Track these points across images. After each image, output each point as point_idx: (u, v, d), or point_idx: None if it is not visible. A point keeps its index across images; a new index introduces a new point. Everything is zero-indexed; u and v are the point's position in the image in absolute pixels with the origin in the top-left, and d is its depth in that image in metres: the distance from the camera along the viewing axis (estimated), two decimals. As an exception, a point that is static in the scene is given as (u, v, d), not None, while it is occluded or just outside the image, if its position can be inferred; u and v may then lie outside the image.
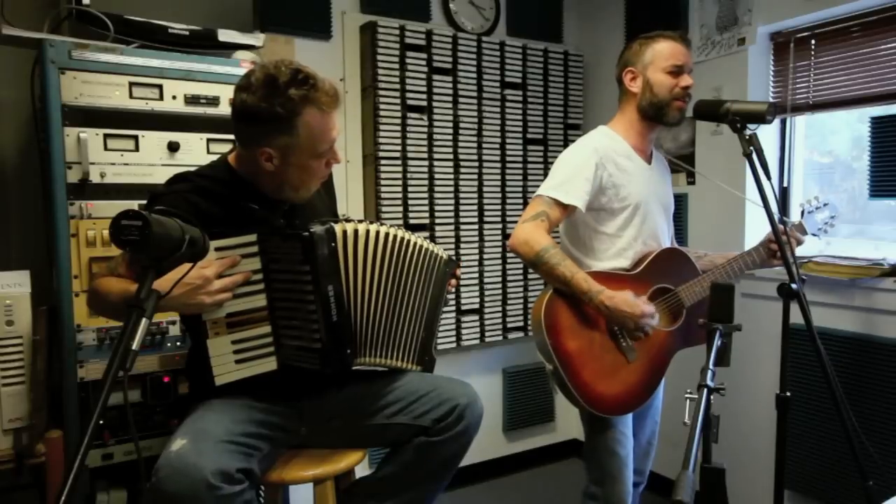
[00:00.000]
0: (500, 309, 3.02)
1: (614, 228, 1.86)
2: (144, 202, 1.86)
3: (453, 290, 1.78)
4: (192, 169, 1.60)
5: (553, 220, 1.78)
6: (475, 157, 2.90)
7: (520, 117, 3.02)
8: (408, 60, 2.69)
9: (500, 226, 2.99)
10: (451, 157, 2.84)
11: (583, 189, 1.78)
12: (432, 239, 2.79)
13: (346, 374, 1.61)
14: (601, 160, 1.81)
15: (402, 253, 1.61)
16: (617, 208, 1.85)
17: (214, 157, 1.93)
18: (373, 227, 1.56)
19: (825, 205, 2.00)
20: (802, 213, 2.00)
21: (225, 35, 2.12)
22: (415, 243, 1.63)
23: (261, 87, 1.41)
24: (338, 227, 1.50)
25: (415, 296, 1.65)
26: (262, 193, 1.55)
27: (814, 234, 2.00)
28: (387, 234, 1.58)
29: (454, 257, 1.74)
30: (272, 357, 1.50)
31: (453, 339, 2.90)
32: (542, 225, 1.76)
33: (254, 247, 1.47)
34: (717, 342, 1.31)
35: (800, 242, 1.96)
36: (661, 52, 1.84)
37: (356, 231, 1.53)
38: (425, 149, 2.77)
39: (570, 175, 1.80)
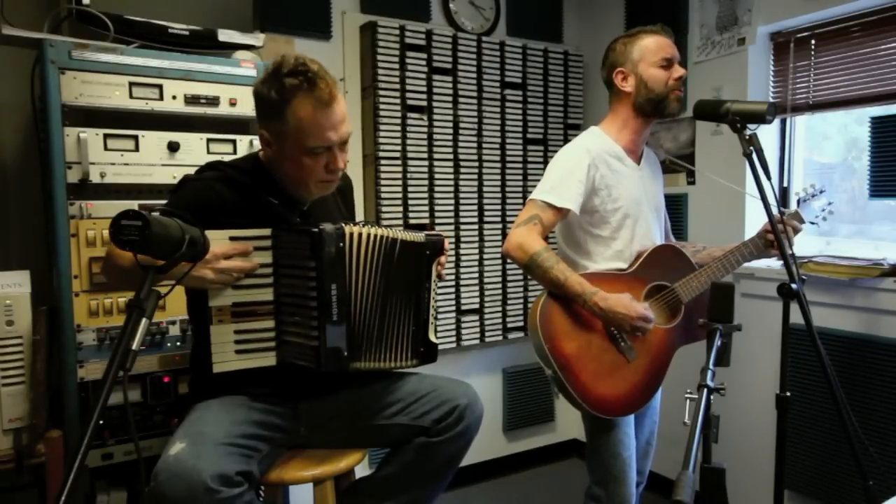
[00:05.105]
0: (500, 309, 3.02)
1: (609, 231, 1.86)
2: (144, 202, 1.88)
3: (443, 269, 1.70)
4: (227, 159, 1.66)
5: (546, 224, 1.77)
6: (475, 157, 2.90)
7: (520, 117, 3.02)
8: (408, 60, 2.69)
9: (500, 226, 2.99)
10: (451, 157, 2.84)
11: (576, 191, 1.78)
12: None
13: (345, 375, 1.61)
14: (593, 161, 1.81)
15: (391, 253, 1.59)
16: (610, 210, 1.84)
17: (214, 157, 1.94)
18: (374, 231, 1.56)
19: (822, 192, 1.95)
20: (798, 201, 1.96)
21: (225, 35, 2.12)
22: (396, 240, 1.59)
23: (268, 73, 1.49)
24: (347, 229, 1.52)
25: (401, 294, 1.63)
26: (283, 190, 1.58)
27: (812, 223, 1.95)
28: (382, 238, 1.57)
29: (437, 235, 1.66)
30: (272, 352, 1.52)
31: (453, 339, 2.90)
32: (536, 229, 1.75)
33: (267, 241, 1.50)
34: (717, 342, 1.31)
35: (797, 231, 1.92)
36: (648, 47, 1.83)
37: (360, 235, 1.54)
38: (425, 149, 2.77)
39: (563, 177, 1.79)
